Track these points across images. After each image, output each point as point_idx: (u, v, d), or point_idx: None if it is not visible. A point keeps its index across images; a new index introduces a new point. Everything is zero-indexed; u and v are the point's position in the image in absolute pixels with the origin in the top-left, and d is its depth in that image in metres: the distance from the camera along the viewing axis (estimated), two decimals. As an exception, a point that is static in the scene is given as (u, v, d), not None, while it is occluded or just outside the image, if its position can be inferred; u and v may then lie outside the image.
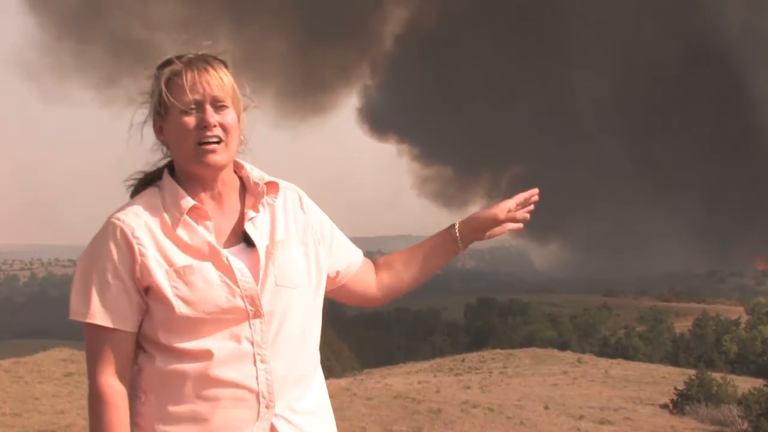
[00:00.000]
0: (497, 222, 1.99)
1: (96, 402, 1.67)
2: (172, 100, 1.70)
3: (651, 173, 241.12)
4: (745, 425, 19.41)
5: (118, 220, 1.69)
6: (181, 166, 1.75)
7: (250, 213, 1.77)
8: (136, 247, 1.68)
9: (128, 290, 1.68)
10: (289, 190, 1.87)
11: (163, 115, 1.73)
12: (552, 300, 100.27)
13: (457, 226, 2.01)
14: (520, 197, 1.99)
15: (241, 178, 1.82)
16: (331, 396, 1.97)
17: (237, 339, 1.69)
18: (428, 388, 21.41)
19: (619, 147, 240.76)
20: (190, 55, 1.73)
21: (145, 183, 1.80)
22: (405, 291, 2.05)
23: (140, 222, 1.69)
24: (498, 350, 40.89)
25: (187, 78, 1.70)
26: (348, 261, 1.96)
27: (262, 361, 1.70)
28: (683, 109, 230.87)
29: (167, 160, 1.80)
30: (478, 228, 2.00)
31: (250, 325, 1.70)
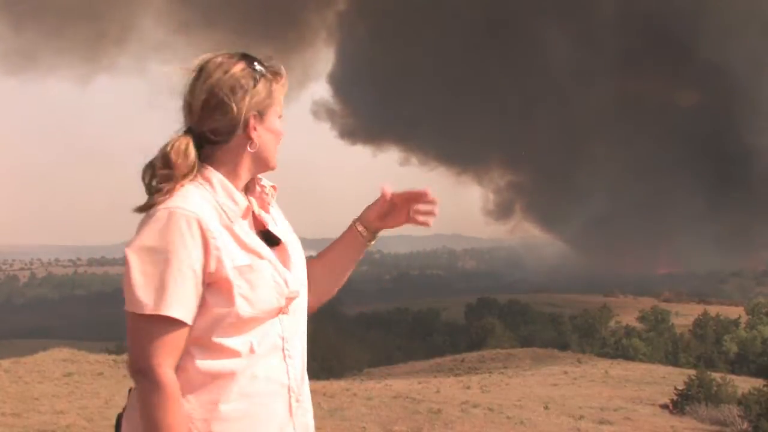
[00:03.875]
0: (386, 203, 1.99)
1: (162, 396, 1.62)
2: (274, 103, 1.79)
3: (650, 173, 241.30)
4: (745, 425, 19.40)
5: (187, 211, 1.67)
6: (258, 165, 1.81)
7: (264, 215, 1.84)
8: (210, 240, 1.67)
9: (198, 284, 1.67)
10: (269, 187, 1.93)
11: (262, 116, 1.78)
12: (552, 300, 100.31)
13: (357, 221, 2.02)
14: (407, 193, 1.98)
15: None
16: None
17: (271, 335, 1.74)
18: (428, 388, 21.41)
19: (617, 146, 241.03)
20: (281, 69, 1.82)
21: (175, 177, 1.73)
22: (327, 297, 2.04)
23: (209, 216, 1.69)
24: (498, 350, 40.99)
25: (285, 87, 1.82)
26: None
27: (290, 357, 1.77)
28: (684, 108, 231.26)
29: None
30: (375, 216, 2.00)
31: (280, 321, 1.76)
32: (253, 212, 1.82)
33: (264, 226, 1.82)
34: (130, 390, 1.81)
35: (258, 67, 1.77)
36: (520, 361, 35.27)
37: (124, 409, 1.81)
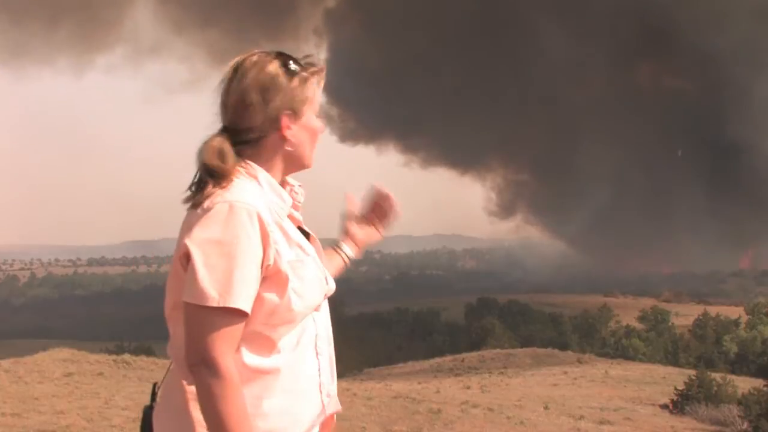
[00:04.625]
0: (354, 216, 2.13)
1: (226, 387, 1.62)
2: (312, 101, 1.82)
3: (651, 173, 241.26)
4: (745, 425, 19.40)
5: (248, 204, 1.69)
6: (295, 162, 1.83)
7: (296, 214, 1.85)
8: (270, 234, 1.69)
9: (258, 276, 1.68)
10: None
11: (297, 115, 1.80)
12: (552, 300, 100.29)
13: (340, 241, 2.11)
14: (374, 202, 2.12)
15: None
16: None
17: (307, 333, 1.77)
18: (428, 388, 21.42)
19: (617, 145, 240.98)
20: (321, 64, 1.84)
21: (225, 172, 1.75)
22: None
23: (265, 211, 1.71)
24: (498, 350, 40.98)
25: (321, 85, 1.85)
26: None
27: (320, 354, 1.80)
28: (684, 107, 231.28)
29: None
30: (354, 232, 2.12)
31: (313, 319, 1.79)
32: None
33: (299, 224, 1.86)
34: (155, 385, 1.82)
35: (292, 65, 1.78)
36: (520, 361, 35.26)
37: (151, 406, 1.81)
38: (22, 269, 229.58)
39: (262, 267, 1.67)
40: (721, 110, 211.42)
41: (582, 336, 68.37)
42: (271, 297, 1.69)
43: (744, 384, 25.20)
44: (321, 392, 1.80)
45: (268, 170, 1.79)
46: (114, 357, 18.73)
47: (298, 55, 1.83)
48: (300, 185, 1.90)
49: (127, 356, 18.67)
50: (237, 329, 1.66)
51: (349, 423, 12.42)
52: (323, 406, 1.80)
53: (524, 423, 15.25)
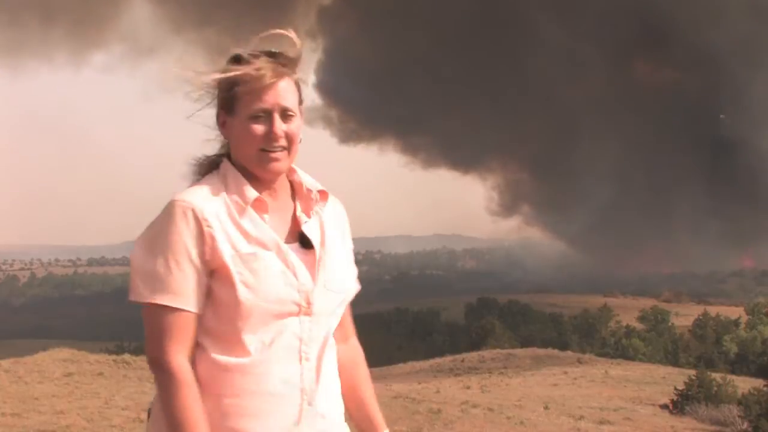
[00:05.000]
0: None
1: (174, 384, 1.65)
2: (242, 101, 1.73)
3: (650, 172, 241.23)
4: (745, 425, 19.41)
5: (185, 201, 1.70)
6: (243, 164, 1.78)
7: (303, 217, 1.81)
8: (205, 229, 1.69)
9: (198, 272, 1.68)
10: (338, 203, 1.91)
11: (229, 112, 1.76)
12: (552, 300, 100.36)
13: None
14: None
15: (291, 182, 1.85)
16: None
17: (287, 335, 1.73)
18: (428, 388, 21.42)
19: (618, 145, 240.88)
20: (268, 57, 1.74)
21: (203, 169, 1.81)
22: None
23: (207, 205, 1.71)
24: (498, 350, 40.93)
25: (262, 84, 1.72)
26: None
27: (307, 359, 1.74)
28: (683, 107, 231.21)
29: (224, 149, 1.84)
30: None
31: (299, 321, 1.74)
32: (294, 212, 1.82)
33: (299, 227, 1.81)
34: None
35: (229, 64, 1.75)
36: (520, 361, 35.23)
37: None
38: (22, 269, 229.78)
39: (202, 261, 1.68)
40: (722, 109, 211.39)
41: (582, 336, 68.41)
42: (219, 291, 1.69)
43: (744, 384, 25.20)
44: (302, 400, 1.73)
45: (238, 165, 1.78)
46: (114, 357, 18.72)
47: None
48: (319, 190, 1.84)
49: (127, 356, 18.65)
50: (178, 325, 1.67)
51: (349, 423, 12.41)
52: (301, 412, 1.73)
53: (524, 423, 15.26)
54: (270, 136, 1.73)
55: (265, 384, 1.70)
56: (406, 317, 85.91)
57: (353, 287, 1.87)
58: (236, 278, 1.68)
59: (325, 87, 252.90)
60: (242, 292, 1.67)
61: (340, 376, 1.93)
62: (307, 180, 1.85)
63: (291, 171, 1.84)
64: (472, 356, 38.68)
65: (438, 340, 70.94)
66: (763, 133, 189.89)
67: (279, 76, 1.74)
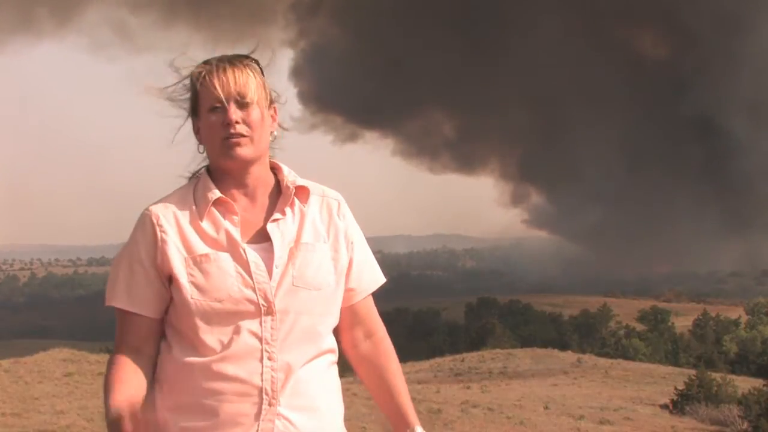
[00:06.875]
0: None
1: (107, 367, 1.75)
2: (200, 100, 1.78)
3: (650, 173, 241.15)
4: (745, 425, 19.42)
5: (148, 210, 1.78)
6: (214, 163, 1.81)
7: (276, 214, 1.80)
8: (158, 234, 1.75)
9: (150, 277, 1.75)
10: (330, 198, 1.88)
11: (195, 114, 1.81)
12: (552, 300, 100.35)
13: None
14: None
15: (278, 181, 1.85)
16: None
17: (246, 334, 1.72)
18: (428, 388, 21.42)
19: (616, 146, 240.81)
20: (217, 58, 1.80)
21: (191, 181, 1.89)
22: (358, 372, 2.02)
23: (168, 212, 1.77)
24: (498, 350, 40.91)
25: (213, 78, 1.76)
26: (355, 285, 1.91)
27: (270, 359, 1.73)
28: (684, 106, 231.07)
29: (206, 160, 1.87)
30: None
31: (261, 321, 1.73)
32: (273, 210, 1.81)
33: (261, 225, 1.80)
34: None
35: (194, 69, 1.80)
36: (520, 361, 35.22)
37: None
38: (22, 269, 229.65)
39: (155, 266, 1.75)
40: (722, 110, 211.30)
41: (582, 336, 68.38)
42: (174, 293, 1.74)
43: (744, 384, 25.20)
44: (261, 400, 1.71)
45: (213, 171, 1.81)
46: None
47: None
48: (298, 186, 1.82)
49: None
50: (127, 326, 1.77)
51: (349, 423, 12.40)
52: (260, 414, 1.71)
53: (524, 423, 15.26)
54: (226, 122, 1.74)
55: (221, 383, 1.70)
56: (406, 317, 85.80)
57: (334, 284, 1.82)
58: (186, 280, 1.72)
59: (324, 88, 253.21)
60: (191, 293, 1.72)
61: (365, 372, 1.95)
62: (289, 177, 1.84)
63: (278, 169, 1.85)
64: (472, 356, 38.68)
65: (438, 340, 70.85)
66: (763, 133, 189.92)
67: (233, 66, 1.77)
